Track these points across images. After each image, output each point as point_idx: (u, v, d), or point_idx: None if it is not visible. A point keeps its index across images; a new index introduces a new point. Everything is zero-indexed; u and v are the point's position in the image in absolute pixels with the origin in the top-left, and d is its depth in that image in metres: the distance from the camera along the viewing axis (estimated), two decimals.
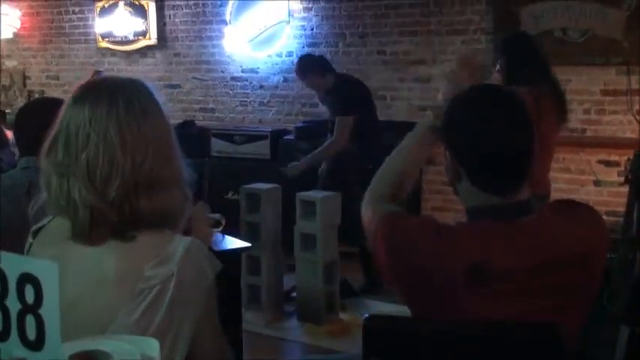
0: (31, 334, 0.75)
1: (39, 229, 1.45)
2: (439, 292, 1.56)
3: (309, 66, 5.15)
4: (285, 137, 6.34)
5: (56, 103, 2.57)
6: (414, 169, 1.85)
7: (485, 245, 1.55)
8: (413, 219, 1.74)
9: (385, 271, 1.66)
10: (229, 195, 6.02)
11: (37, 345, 0.75)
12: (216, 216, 3.18)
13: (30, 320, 0.75)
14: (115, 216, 1.33)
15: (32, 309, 0.75)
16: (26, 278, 0.75)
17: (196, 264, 1.35)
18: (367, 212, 1.78)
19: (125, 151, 1.33)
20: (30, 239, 1.44)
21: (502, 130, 1.59)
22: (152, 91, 1.44)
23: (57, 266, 0.76)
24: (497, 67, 3.91)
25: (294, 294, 4.71)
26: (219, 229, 3.21)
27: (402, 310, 1.73)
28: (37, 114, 2.42)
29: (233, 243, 3.31)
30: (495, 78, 3.83)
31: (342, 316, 4.52)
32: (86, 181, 1.33)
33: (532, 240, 1.56)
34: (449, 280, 1.54)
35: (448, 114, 1.68)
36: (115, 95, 1.37)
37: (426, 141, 1.85)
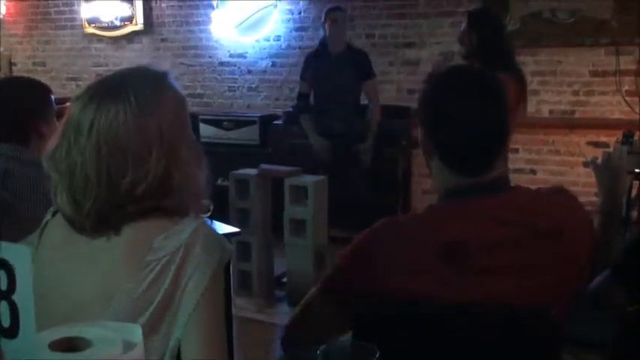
0: (5, 321, 0.73)
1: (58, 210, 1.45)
2: (418, 279, 1.53)
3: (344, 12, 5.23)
4: (274, 122, 6.31)
5: (32, 85, 2.47)
6: None
7: (459, 225, 1.54)
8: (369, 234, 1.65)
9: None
10: (219, 181, 5.98)
11: (11, 332, 0.73)
12: (205, 202, 3.16)
13: (4, 307, 0.73)
14: (91, 226, 1.34)
15: (6, 295, 0.73)
16: None
17: (205, 242, 1.34)
18: None
19: (100, 169, 1.33)
20: (48, 217, 1.45)
21: (474, 115, 1.56)
22: (151, 88, 1.40)
23: (30, 250, 0.74)
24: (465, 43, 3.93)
25: (284, 279, 4.70)
26: (207, 214, 3.19)
27: None
28: (12, 100, 2.35)
29: (223, 229, 3.29)
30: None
31: None
32: (66, 192, 1.36)
33: (506, 215, 1.54)
34: (426, 265, 1.51)
35: (424, 91, 1.67)
36: (99, 111, 1.36)
37: None
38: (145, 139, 1.34)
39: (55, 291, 1.32)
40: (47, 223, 1.44)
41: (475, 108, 1.57)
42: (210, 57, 7.07)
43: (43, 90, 2.42)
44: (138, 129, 1.34)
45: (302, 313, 1.68)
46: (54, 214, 1.44)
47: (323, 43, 5.16)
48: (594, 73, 5.51)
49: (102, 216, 1.34)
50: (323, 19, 5.13)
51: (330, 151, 5.17)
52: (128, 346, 0.89)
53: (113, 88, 1.38)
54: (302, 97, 5.24)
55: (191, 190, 1.42)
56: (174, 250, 1.31)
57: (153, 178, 1.34)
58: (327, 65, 5.07)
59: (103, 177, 1.33)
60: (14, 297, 0.73)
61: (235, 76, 6.99)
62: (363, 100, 5.31)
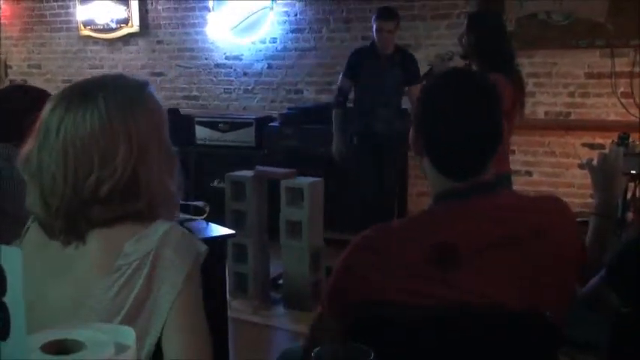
0: None
1: None
2: (414, 281, 1.52)
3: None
4: (270, 124, 6.31)
5: (26, 91, 2.50)
6: None
7: (453, 227, 1.54)
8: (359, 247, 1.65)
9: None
10: (214, 183, 5.99)
11: (1, 334, 0.72)
12: (200, 204, 3.16)
13: None
14: (60, 229, 1.34)
15: None
16: None
17: (176, 243, 1.33)
18: None
19: (66, 167, 1.32)
20: (29, 223, 1.44)
21: (465, 120, 1.56)
22: (127, 99, 1.38)
23: (20, 251, 0.74)
24: (465, 44, 3.91)
25: (280, 281, 4.70)
26: (203, 216, 3.19)
27: None
28: (8, 99, 2.37)
29: (218, 230, 3.29)
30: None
31: None
32: (37, 193, 1.36)
33: (500, 217, 1.55)
34: (421, 268, 1.51)
35: (423, 91, 1.67)
36: (67, 116, 1.35)
37: None
38: (112, 143, 1.33)
39: (30, 297, 1.32)
40: (28, 228, 1.44)
41: (469, 109, 1.57)
42: (206, 59, 7.07)
43: (41, 92, 2.43)
44: (105, 133, 1.33)
45: (312, 335, 1.69)
46: (34, 219, 1.43)
47: (373, 43, 5.19)
48: (589, 75, 5.52)
49: (69, 218, 1.33)
50: (373, 20, 5.14)
51: (347, 153, 5.23)
52: (120, 348, 0.89)
53: (85, 93, 1.37)
54: (341, 92, 5.28)
55: (161, 196, 1.40)
56: (145, 255, 1.31)
57: (119, 179, 1.33)
58: (375, 65, 5.11)
59: (69, 176, 1.32)
60: (5, 299, 0.73)
61: (231, 78, 6.98)
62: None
